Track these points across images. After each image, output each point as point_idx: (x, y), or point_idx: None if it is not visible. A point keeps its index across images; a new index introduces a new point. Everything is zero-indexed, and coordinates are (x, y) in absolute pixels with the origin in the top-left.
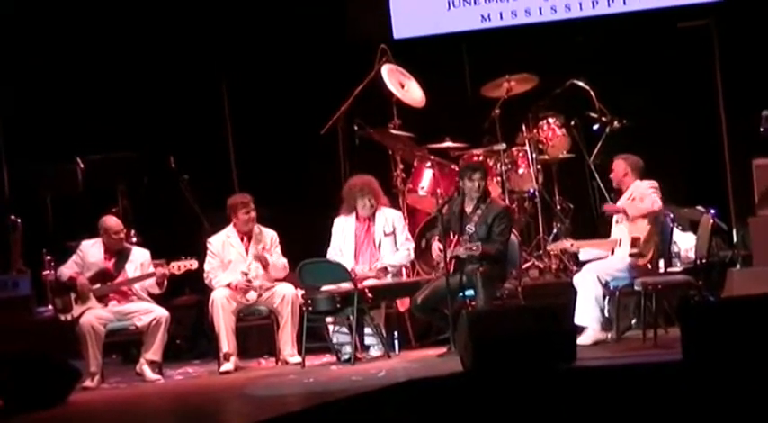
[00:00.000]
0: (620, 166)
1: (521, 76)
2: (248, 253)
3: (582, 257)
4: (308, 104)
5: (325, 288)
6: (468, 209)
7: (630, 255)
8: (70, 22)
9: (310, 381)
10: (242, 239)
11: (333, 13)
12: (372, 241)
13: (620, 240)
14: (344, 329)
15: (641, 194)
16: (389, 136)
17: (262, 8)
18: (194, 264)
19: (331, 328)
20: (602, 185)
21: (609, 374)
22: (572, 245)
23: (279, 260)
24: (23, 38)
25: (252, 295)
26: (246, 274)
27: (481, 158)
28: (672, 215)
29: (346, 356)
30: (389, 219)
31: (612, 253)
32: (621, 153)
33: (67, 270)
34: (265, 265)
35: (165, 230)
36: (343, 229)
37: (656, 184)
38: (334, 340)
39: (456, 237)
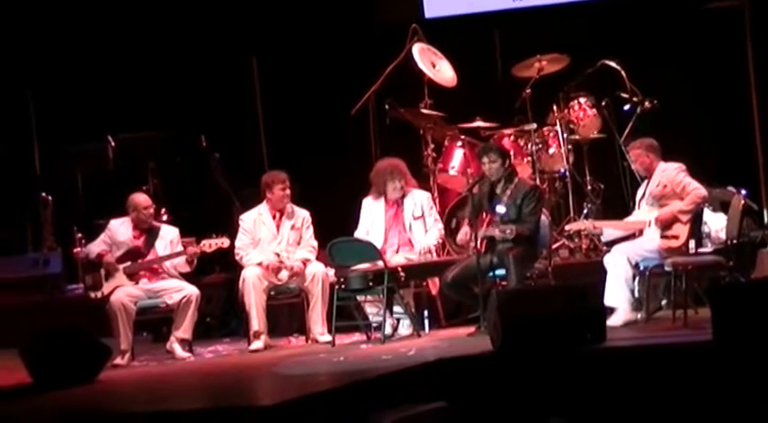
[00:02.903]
0: (641, 155)
1: (552, 56)
2: (279, 231)
3: (604, 238)
4: (339, 84)
5: (359, 267)
6: (498, 189)
7: (663, 237)
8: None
9: (340, 359)
10: (274, 217)
11: None
12: (402, 225)
13: (650, 221)
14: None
15: (670, 181)
16: (420, 115)
17: None
18: (226, 242)
19: (368, 308)
20: (632, 165)
21: (639, 355)
22: (593, 226)
23: (309, 241)
24: (55, 16)
25: (284, 275)
26: (279, 255)
27: (511, 138)
28: None
29: (389, 331)
30: (418, 202)
31: (640, 234)
32: (650, 134)
33: (96, 248)
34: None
35: (195, 209)
36: (372, 212)
37: (683, 166)
38: (371, 319)
39: (488, 217)
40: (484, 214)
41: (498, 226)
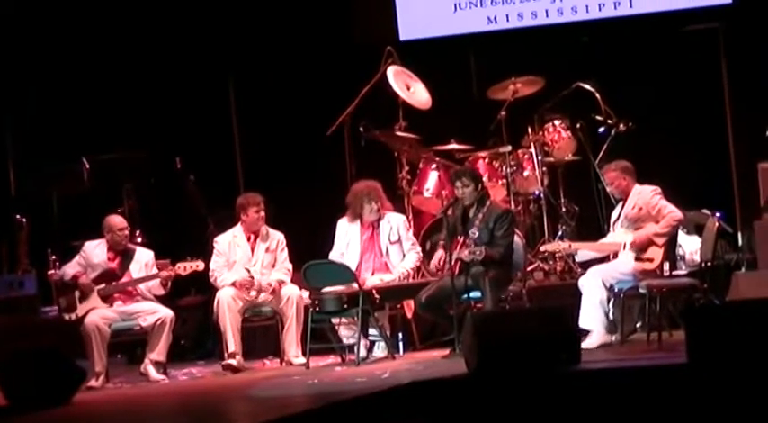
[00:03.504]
0: (617, 177)
1: (527, 79)
2: (254, 253)
3: (578, 258)
4: (314, 106)
5: (333, 289)
6: (471, 213)
7: (637, 259)
8: (77, 20)
9: (315, 382)
10: (249, 239)
11: (339, 14)
12: (378, 248)
13: (625, 244)
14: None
15: (646, 203)
16: (395, 137)
17: (268, 8)
18: (201, 265)
19: (342, 330)
20: (607, 188)
21: (613, 377)
22: (569, 246)
23: (284, 264)
24: (29, 37)
25: (255, 293)
26: (249, 271)
27: (486, 160)
28: None
29: (363, 353)
30: (394, 226)
31: (615, 256)
32: (624, 156)
33: (71, 269)
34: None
35: (170, 231)
36: (347, 234)
37: (658, 188)
38: (345, 341)
39: (462, 239)
40: (459, 237)
41: (469, 249)
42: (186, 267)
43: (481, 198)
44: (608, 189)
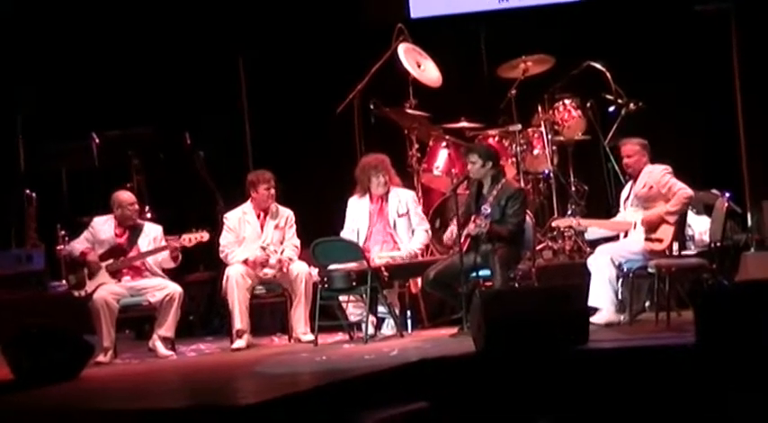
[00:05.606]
0: (637, 151)
1: (537, 57)
2: (263, 230)
3: (588, 237)
4: (324, 83)
5: (341, 266)
6: (485, 190)
7: (647, 239)
8: None
9: (323, 359)
10: (258, 216)
11: None
12: (386, 221)
13: (635, 223)
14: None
15: (656, 182)
16: (405, 115)
17: None
18: (205, 236)
19: (351, 307)
20: (616, 167)
21: (621, 356)
22: (578, 223)
23: (292, 241)
24: (41, 14)
25: (268, 271)
26: (265, 249)
27: (496, 139)
28: None
29: (371, 331)
30: (403, 200)
31: (626, 235)
32: (634, 136)
33: (79, 246)
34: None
35: (179, 207)
36: (357, 209)
37: (669, 168)
38: (352, 319)
39: (475, 216)
40: (473, 215)
41: (475, 222)
42: (191, 239)
43: (496, 176)
44: (624, 161)
